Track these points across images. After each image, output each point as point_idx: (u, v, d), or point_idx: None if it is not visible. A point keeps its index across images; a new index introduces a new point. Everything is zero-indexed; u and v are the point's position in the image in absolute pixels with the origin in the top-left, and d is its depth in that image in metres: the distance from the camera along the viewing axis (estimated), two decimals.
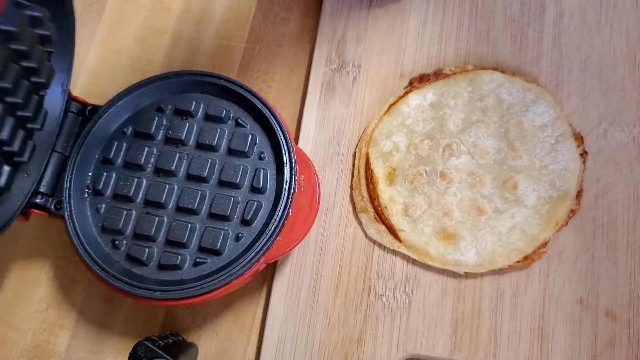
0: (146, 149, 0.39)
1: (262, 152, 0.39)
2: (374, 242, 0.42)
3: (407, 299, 0.40)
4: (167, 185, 0.38)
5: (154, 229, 0.37)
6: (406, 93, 0.44)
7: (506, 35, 0.45)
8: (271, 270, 0.43)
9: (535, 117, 0.42)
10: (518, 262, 0.40)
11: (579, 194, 0.41)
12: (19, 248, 0.44)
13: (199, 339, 0.41)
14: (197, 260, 0.37)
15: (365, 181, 0.43)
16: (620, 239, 0.40)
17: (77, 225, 0.37)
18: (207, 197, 0.38)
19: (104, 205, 0.38)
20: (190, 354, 0.40)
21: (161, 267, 0.37)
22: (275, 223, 0.37)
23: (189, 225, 0.37)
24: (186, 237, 0.37)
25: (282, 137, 0.38)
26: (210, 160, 0.38)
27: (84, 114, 0.40)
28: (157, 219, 0.37)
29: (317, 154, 0.44)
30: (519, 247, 0.40)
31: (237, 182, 0.38)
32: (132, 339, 0.42)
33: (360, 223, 0.42)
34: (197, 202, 0.37)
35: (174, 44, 0.49)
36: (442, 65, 0.45)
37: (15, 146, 0.35)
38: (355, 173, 0.43)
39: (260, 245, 0.36)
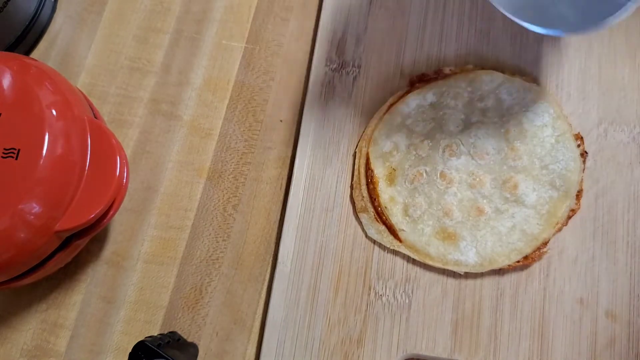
0: None
1: None
2: (374, 242, 0.42)
3: (407, 299, 0.40)
4: None
5: None
6: (406, 93, 0.44)
7: (506, 35, 0.45)
8: (271, 270, 0.43)
9: (535, 117, 0.42)
10: (518, 262, 0.40)
11: (579, 194, 0.41)
12: None
13: (199, 339, 0.41)
14: None
15: (365, 181, 0.43)
16: (620, 239, 0.40)
17: None
18: None
19: None
20: (190, 354, 0.40)
21: None
22: None
23: None
24: None
25: None
26: None
27: None
28: None
29: (317, 154, 0.44)
30: (519, 247, 0.40)
31: None
32: (132, 339, 0.42)
33: (360, 223, 0.42)
34: None
35: (174, 44, 0.49)
36: (442, 65, 0.45)
37: None
38: (356, 173, 0.43)
39: None
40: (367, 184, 0.42)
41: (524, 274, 0.40)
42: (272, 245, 0.44)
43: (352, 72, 0.46)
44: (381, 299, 0.40)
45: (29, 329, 0.43)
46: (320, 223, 0.42)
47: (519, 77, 0.44)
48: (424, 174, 0.42)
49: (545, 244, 0.40)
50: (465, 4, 0.47)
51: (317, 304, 0.41)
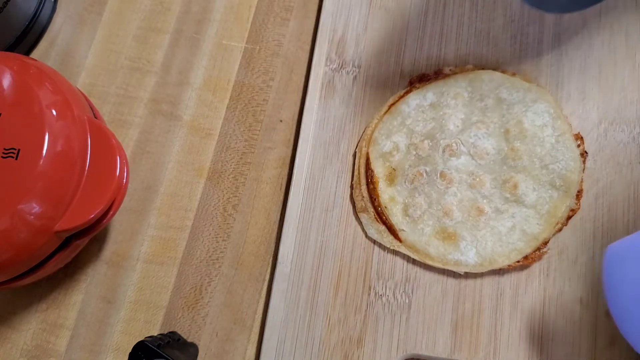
0: None
1: None
2: (374, 242, 0.42)
3: (407, 299, 0.40)
4: None
5: None
6: (406, 93, 0.44)
7: (506, 35, 0.45)
8: (271, 270, 0.43)
9: (535, 117, 0.42)
10: (518, 262, 0.40)
11: (578, 194, 0.41)
12: None
13: (199, 339, 0.41)
14: None
15: (365, 181, 0.43)
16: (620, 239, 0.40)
17: None
18: None
19: None
20: (190, 354, 0.40)
21: None
22: None
23: None
24: None
25: None
26: None
27: None
28: None
29: (317, 154, 0.44)
30: (519, 247, 0.40)
31: None
32: (132, 339, 0.42)
33: (360, 223, 0.42)
34: None
35: (174, 44, 0.49)
36: (442, 65, 0.45)
37: None
38: (356, 173, 0.43)
39: None
40: (367, 184, 0.42)
41: (524, 274, 0.40)
42: (272, 245, 0.44)
43: (352, 72, 0.46)
44: (381, 299, 0.40)
45: (29, 329, 0.43)
46: (320, 223, 0.42)
47: (519, 77, 0.44)
48: (424, 174, 0.42)
49: (545, 244, 0.40)
50: (465, 4, 0.47)
51: (317, 304, 0.41)
